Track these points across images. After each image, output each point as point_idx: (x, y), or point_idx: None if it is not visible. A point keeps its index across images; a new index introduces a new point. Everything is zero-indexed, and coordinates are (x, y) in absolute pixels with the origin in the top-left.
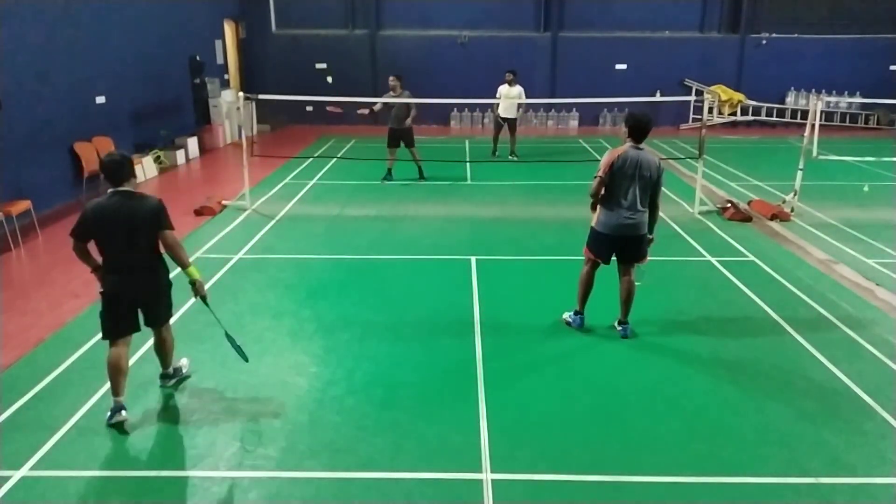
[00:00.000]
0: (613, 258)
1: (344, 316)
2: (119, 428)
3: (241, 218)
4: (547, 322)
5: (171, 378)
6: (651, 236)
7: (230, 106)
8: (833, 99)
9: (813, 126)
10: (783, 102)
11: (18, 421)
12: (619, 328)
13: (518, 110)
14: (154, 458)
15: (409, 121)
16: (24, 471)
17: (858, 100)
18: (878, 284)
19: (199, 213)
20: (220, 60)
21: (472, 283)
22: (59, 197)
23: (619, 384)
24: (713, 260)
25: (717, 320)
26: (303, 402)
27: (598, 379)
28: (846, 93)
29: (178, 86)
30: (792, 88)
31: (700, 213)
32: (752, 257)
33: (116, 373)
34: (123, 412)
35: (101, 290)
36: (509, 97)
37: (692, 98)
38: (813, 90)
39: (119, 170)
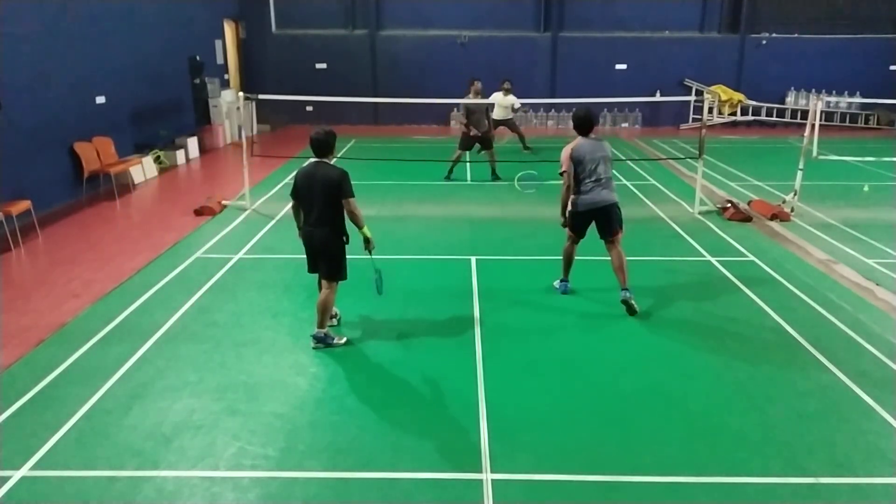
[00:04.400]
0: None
1: (344, 316)
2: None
3: (241, 218)
4: (547, 322)
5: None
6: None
7: (230, 106)
8: (833, 99)
9: (813, 126)
10: (783, 102)
11: (18, 421)
12: (622, 293)
13: (512, 111)
14: (154, 458)
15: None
16: (24, 471)
17: (858, 100)
18: (878, 284)
19: (199, 213)
20: (220, 60)
21: (472, 282)
22: (59, 197)
23: (620, 384)
24: (713, 260)
25: (716, 320)
26: (302, 402)
27: (598, 379)
28: (846, 93)
29: (178, 86)
30: (792, 88)
31: (700, 213)
32: (752, 257)
33: (320, 310)
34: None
35: (299, 235)
36: (502, 105)
37: (692, 98)
38: (813, 90)
39: (322, 146)
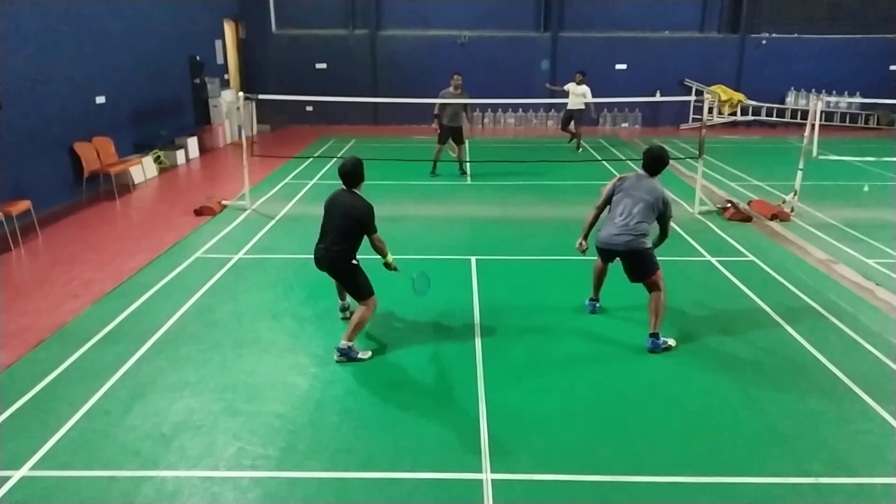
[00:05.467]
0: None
1: (343, 315)
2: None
3: (241, 218)
4: (547, 322)
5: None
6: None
7: (230, 106)
8: (833, 99)
9: (813, 126)
10: (783, 102)
11: (18, 421)
12: (648, 339)
13: (584, 105)
14: (154, 458)
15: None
16: (24, 471)
17: (858, 100)
18: (877, 284)
19: (199, 213)
20: (220, 60)
21: (472, 282)
22: (59, 197)
23: (619, 384)
24: (713, 260)
25: (716, 320)
26: (302, 402)
27: (598, 379)
28: (846, 93)
29: (178, 86)
30: (792, 88)
31: (700, 213)
32: (752, 257)
33: (353, 324)
34: (363, 353)
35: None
36: (576, 93)
37: (692, 98)
38: (813, 90)
39: (350, 177)
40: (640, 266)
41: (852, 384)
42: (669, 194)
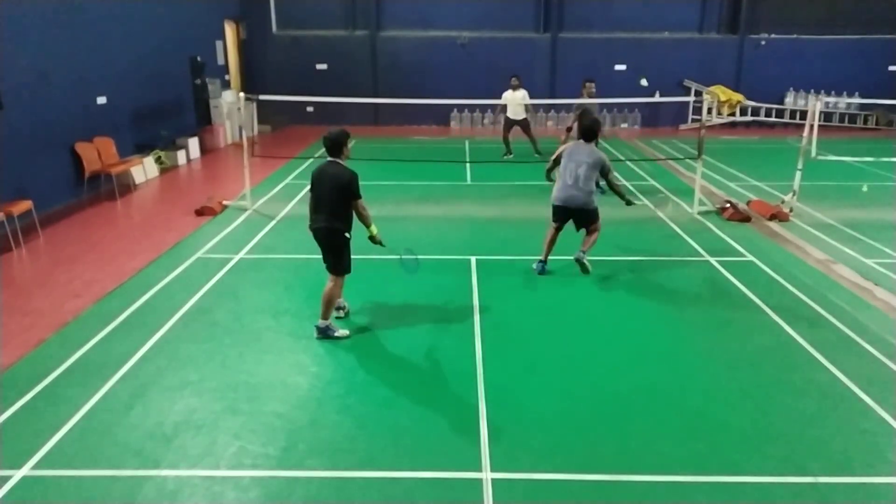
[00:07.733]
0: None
1: (344, 316)
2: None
3: (241, 218)
4: (546, 321)
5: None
6: (627, 200)
7: (231, 106)
8: (832, 99)
9: (812, 126)
10: (782, 103)
11: (19, 420)
12: (578, 252)
13: (526, 111)
14: (155, 458)
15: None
16: (25, 470)
17: (857, 100)
18: (876, 284)
19: (199, 213)
20: (220, 61)
21: (472, 282)
22: (60, 197)
23: (619, 383)
24: (712, 260)
25: (716, 320)
26: (303, 401)
27: (597, 378)
28: (845, 93)
29: (179, 86)
30: (791, 89)
31: (699, 213)
32: (750, 257)
33: (323, 302)
34: (340, 331)
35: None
36: (514, 102)
37: (691, 99)
38: (812, 91)
39: (334, 146)
40: (589, 218)
41: (851, 384)
42: (604, 154)
